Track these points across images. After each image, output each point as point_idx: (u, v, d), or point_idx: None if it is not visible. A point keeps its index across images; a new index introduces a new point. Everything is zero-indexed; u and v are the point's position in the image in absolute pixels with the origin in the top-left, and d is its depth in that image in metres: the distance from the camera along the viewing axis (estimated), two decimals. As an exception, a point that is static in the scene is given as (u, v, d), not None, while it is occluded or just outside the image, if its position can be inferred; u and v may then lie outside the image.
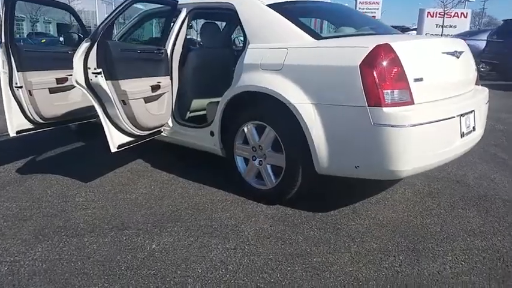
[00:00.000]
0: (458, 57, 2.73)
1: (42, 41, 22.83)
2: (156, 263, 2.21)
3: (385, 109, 2.27)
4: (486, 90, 3.10)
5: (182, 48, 3.46)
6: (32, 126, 3.40)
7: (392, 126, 2.27)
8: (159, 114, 3.33)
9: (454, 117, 2.55)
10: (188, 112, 3.80)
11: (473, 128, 2.82)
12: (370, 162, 2.41)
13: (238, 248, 2.35)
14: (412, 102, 2.33)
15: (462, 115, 2.63)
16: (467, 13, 24.57)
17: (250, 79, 2.81)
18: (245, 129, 2.92)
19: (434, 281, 2.07)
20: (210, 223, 2.64)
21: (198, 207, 2.87)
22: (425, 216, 2.76)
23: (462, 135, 2.67)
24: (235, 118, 2.98)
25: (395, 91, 2.29)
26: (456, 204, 2.96)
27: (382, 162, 2.36)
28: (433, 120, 2.40)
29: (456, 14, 24.01)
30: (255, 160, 2.92)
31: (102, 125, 2.95)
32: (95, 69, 2.71)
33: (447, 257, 2.28)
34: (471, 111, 2.75)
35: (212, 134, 3.21)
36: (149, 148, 3.66)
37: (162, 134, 3.58)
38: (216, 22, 4.24)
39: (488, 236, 2.50)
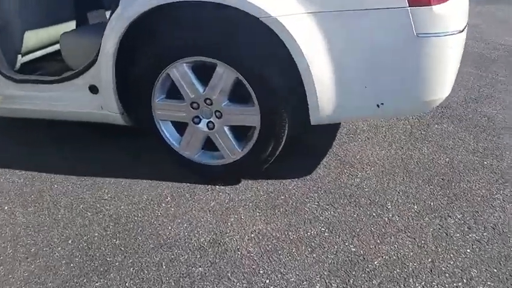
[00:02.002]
0: None
1: None
2: None
3: (435, 8, 1.43)
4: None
5: None
6: None
7: (444, 34, 1.47)
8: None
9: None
10: (20, 56, 2.20)
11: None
12: (402, 95, 1.60)
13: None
14: (449, -6, 1.55)
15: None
16: None
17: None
18: (172, 74, 1.69)
19: (523, 238, 1.55)
20: (170, 254, 1.49)
21: (123, 228, 1.63)
22: (416, 145, 2.20)
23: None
24: (147, 56, 1.69)
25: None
26: (425, 119, 2.50)
27: (420, 91, 1.58)
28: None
29: None
30: (199, 123, 1.77)
31: None
32: None
33: (498, 195, 1.78)
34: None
35: (95, 89, 1.85)
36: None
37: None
38: None
39: (498, 153, 2.10)
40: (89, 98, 1.88)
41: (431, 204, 1.73)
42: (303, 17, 1.46)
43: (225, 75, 1.62)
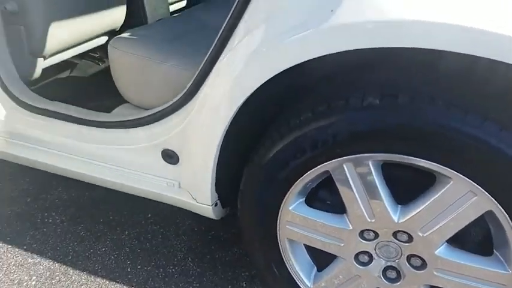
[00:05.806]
0: None
1: None
2: None
3: None
4: None
5: None
6: None
7: None
8: None
9: None
10: (42, 59, 1.34)
11: None
12: None
13: None
14: None
15: None
16: None
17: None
18: (337, 174, 0.80)
19: None
20: None
21: None
22: None
23: None
24: (298, 133, 0.81)
25: None
26: None
27: None
28: None
29: None
30: (368, 265, 0.89)
31: None
32: None
33: None
34: None
35: (172, 157, 1.02)
36: None
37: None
38: None
39: None
40: (159, 167, 1.03)
41: None
42: None
43: (464, 202, 0.73)
